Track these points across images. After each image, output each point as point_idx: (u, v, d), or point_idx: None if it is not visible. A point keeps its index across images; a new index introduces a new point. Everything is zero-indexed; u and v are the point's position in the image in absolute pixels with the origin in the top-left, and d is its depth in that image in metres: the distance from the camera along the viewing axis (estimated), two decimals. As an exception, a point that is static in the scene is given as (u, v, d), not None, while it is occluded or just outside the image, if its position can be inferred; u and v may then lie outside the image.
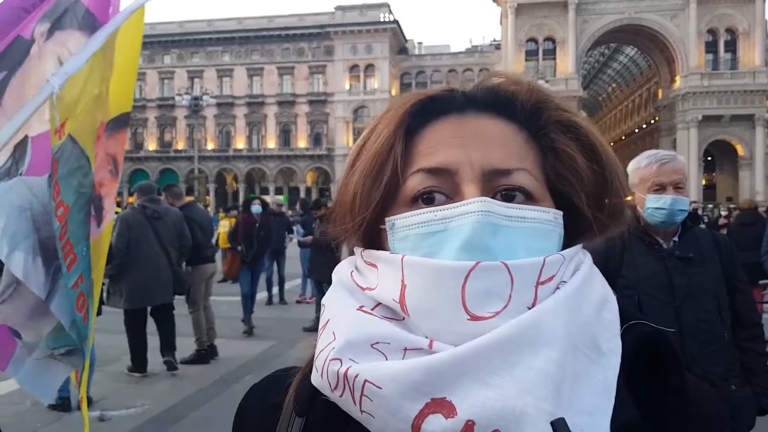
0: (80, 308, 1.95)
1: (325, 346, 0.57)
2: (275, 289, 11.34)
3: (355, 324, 0.56)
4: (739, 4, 50.51)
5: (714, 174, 55.57)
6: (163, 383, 6.31)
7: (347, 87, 58.96)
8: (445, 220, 0.55)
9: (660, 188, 2.35)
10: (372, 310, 0.58)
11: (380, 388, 0.51)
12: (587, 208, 0.60)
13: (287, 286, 11.77)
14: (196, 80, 61.14)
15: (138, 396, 5.79)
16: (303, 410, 0.63)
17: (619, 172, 0.62)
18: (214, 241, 9.39)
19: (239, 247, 8.84)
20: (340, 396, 0.55)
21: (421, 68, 61.74)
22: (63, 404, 5.11)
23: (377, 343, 0.54)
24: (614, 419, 0.51)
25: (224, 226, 12.56)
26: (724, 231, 12.53)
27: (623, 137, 68.00)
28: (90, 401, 5.25)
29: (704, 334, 2.29)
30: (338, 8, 59.82)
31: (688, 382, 0.57)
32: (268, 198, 13.71)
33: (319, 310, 0.65)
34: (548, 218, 0.57)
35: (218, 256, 9.48)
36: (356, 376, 0.53)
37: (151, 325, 6.60)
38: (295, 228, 12.02)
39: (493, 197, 0.56)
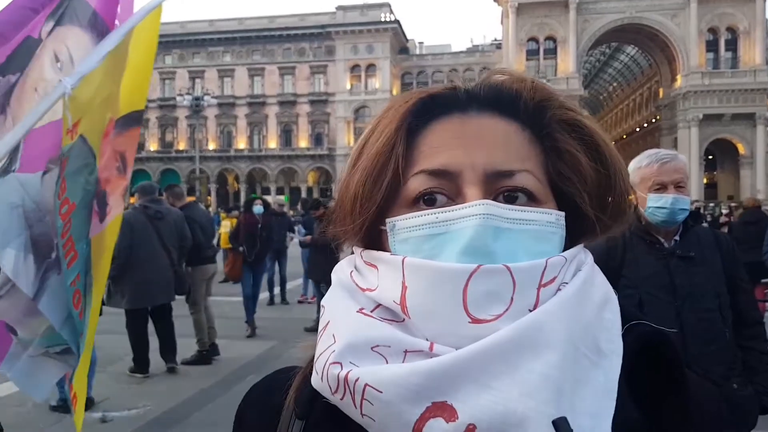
0: (76, 304, 1.94)
1: (325, 349, 0.57)
2: (277, 289, 11.33)
3: (355, 327, 0.56)
4: (739, 3, 50.42)
5: (715, 173, 55.49)
6: (165, 384, 6.30)
7: (348, 87, 58.99)
8: (447, 223, 0.55)
9: (661, 187, 2.35)
10: (372, 311, 0.57)
11: (381, 392, 0.51)
12: (590, 209, 0.60)
13: (289, 286, 11.77)
14: (198, 80, 61.11)
15: (140, 397, 5.78)
16: (303, 413, 0.63)
17: (623, 172, 0.62)
18: (215, 241, 9.37)
19: (241, 248, 8.82)
20: (341, 399, 0.55)
21: (422, 68, 61.77)
22: (64, 405, 5.10)
23: (377, 346, 0.54)
24: (614, 419, 0.51)
25: (225, 226, 12.54)
26: (725, 229, 12.56)
27: (624, 136, 67.91)
28: (92, 402, 5.26)
29: (706, 333, 2.28)
30: (339, 8, 59.83)
31: (690, 381, 0.57)
32: (269, 198, 13.67)
33: (319, 311, 0.65)
34: (550, 220, 0.57)
35: (219, 256, 9.49)
36: (357, 380, 0.52)
37: (151, 326, 6.61)
38: (296, 228, 12.01)
39: (495, 198, 0.56)
